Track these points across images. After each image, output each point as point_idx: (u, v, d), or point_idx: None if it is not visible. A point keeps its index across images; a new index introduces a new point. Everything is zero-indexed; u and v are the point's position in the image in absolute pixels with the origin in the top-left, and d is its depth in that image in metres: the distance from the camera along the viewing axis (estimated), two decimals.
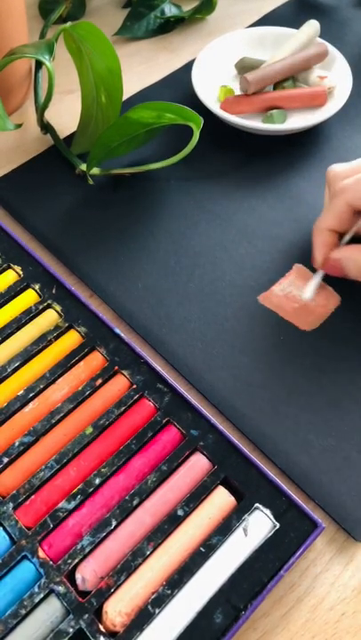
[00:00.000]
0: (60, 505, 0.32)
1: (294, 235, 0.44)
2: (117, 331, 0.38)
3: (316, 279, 0.40)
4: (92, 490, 0.32)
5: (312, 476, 0.34)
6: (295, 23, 0.55)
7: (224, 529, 0.31)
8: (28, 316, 0.39)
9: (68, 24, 0.43)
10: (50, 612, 0.29)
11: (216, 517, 0.31)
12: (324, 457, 0.35)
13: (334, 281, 0.41)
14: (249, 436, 0.35)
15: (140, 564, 0.30)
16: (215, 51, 0.53)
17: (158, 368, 0.36)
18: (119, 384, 0.36)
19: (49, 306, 0.39)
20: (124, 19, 0.59)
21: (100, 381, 0.36)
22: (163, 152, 0.49)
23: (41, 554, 0.30)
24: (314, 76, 0.51)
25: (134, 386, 0.36)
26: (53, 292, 0.40)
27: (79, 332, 0.38)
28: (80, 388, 0.36)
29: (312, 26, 0.53)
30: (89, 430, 0.34)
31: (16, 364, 0.37)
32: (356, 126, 0.50)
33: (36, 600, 0.29)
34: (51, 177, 0.48)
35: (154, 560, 0.30)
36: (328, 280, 0.41)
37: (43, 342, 0.37)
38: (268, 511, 0.32)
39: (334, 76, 0.51)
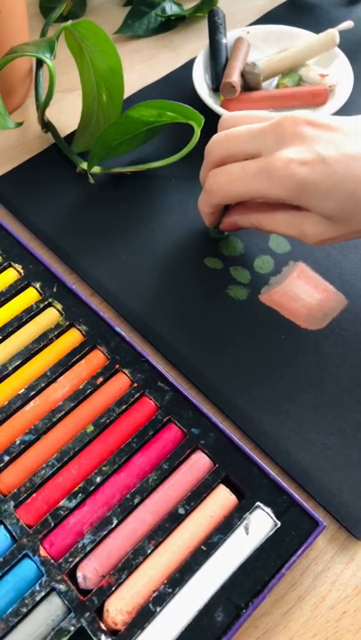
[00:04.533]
0: (61, 503, 0.32)
1: None
2: (118, 329, 0.38)
3: None
4: (93, 488, 0.32)
5: (313, 475, 0.34)
6: (296, 22, 0.55)
7: (225, 527, 0.31)
8: (29, 314, 0.38)
9: (69, 22, 0.43)
10: (51, 610, 0.29)
11: (217, 516, 0.31)
12: (326, 455, 0.35)
13: (338, 281, 0.41)
14: (250, 435, 0.35)
15: (142, 563, 0.30)
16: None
17: (159, 366, 0.36)
18: (120, 382, 0.36)
19: (50, 304, 0.39)
20: (125, 17, 0.59)
21: (100, 380, 0.36)
22: (164, 150, 0.49)
23: (42, 552, 0.30)
24: (315, 74, 0.51)
25: (135, 384, 0.36)
26: (54, 290, 0.40)
27: (80, 331, 0.38)
28: (81, 387, 0.36)
29: (329, 35, 0.51)
30: (90, 429, 0.34)
31: (17, 363, 0.36)
32: None
33: (38, 598, 0.29)
34: (51, 175, 0.48)
35: (155, 558, 0.30)
36: (332, 281, 0.41)
37: (43, 341, 0.37)
38: (269, 510, 0.32)
39: (335, 74, 0.51)
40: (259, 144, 0.36)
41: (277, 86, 0.52)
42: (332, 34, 0.51)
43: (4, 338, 0.38)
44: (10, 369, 0.36)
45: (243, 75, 0.50)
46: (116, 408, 0.35)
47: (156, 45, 0.59)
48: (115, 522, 0.31)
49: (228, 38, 0.53)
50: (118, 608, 0.29)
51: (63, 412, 0.35)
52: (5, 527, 0.31)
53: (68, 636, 0.28)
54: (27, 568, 0.30)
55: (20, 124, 0.44)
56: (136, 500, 0.32)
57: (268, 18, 0.60)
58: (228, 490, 0.32)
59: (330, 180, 0.33)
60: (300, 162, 0.34)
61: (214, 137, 0.38)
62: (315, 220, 0.35)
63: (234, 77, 0.49)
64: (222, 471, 0.33)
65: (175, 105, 0.42)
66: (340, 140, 0.34)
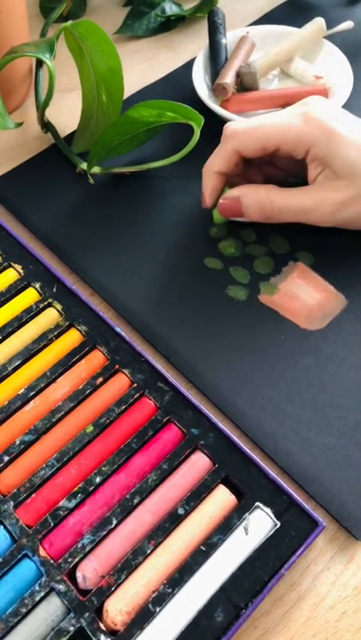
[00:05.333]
0: (60, 503, 0.32)
1: (296, 232, 0.43)
2: (118, 329, 0.38)
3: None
4: (92, 488, 0.32)
5: (313, 475, 0.34)
6: (296, 22, 0.55)
7: (225, 528, 0.31)
8: (29, 314, 0.38)
9: (69, 23, 0.43)
10: (51, 610, 0.29)
11: (217, 516, 0.31)
12: (325, 455, 0.35)
13: (338, 281, 0.41)
14: (250, 435, 0.35)
15: (141, 563, 0.30)
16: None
17: (159, 367, 0.36)
18: (120, 383, 0.36)
19: (49, 304, 0.39)
20: (125, 17, 0.59)
21: (100, 380, 0.36)
22: (163, 151, 0.49)
23: (42, 552, 0.30)
24: (311, 76, 0.51)
25: (135, 384, 0.36)
26: (54, 290, 0.40)
27: (80, 331, 0.38)
28: (81, 387, 0.36)
29: (316, 23, 0.53)
30: (90, 429, 0.34)
31: (17, 363, 0.36)
32: None
33: (37, 598, 0.29)
34: (51, 176, 0.48)
35: (155, 559, 0.30)
36: (332, 281, 0.41)
37: (43, 341, 0.37)
38: (268, 510, 0.31)
39: (335, 74, 0.51)
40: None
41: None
42: (319, 22, 0.53)
43: (4, 338, 0.38)
44: (10, 369, 0.36)
45: (239, 75, 0.50)
46: (115, 408, 0.35)
47: (156, 45, 0.59)
48: (114, 522, 0.31)
49: (227, 38, 0.53)
50: (118, 608, 0.29)
51: (63, 413, 0.35)
52: (5, 527, 0.31)
53: (67, 637, 0.28)
54: (26, 568, 0.30)
55: (19, 125, 0.44)
56: (136, 501, 0.32)
57: (268, 18, 0.60)
58: (227, 490, 0.32)
59: (354, 134, 0.37)
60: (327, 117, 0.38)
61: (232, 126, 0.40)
62: (330, 186, 0.37)
63: (226, 79, 0.49)
64: (222, 471, 0.33)
65: (175, 105, 0.42)
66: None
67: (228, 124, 0.41)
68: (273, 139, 0.38)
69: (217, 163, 0.40)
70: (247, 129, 0.39)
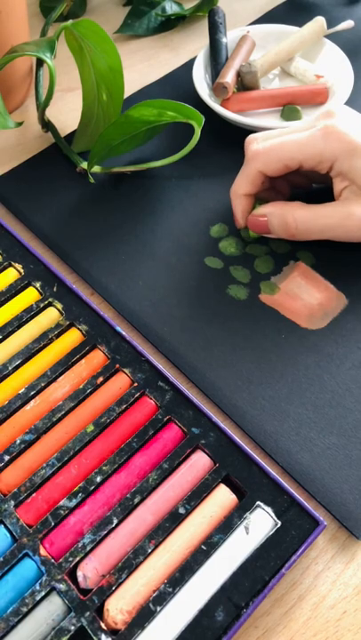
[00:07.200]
0: (61, 503, 0.32)
1: None
2: (118, 329, 0.38)
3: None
4: (93, 488, 0.32)
5: (314, 474, 0.34)
6: (296, 21, 0.55)
7: (225, 527, 0.31)
8: (29, 314, 0.38)
9: (70, 22, 0.43)
10: (51, 609, 0.29)
11: (217, 515, 0.31)
12: (326, 455, 0.35)
13: (339, 281, 0.41)
14: (250, 434, 0.35)
15: (142, 562, 0.30)
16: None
17: (159, 366, 0.36)
18: (120, 382, 0.36)
19: (50, 304, 0.39)
20: (125, 16, 0.59)
21: (101, 379, 0.36)
22: (164, 150, 0.49)
23: (42, 552, 0.30)
24: (311, 75, 0.51)
25: (135, 384, 0.36)
26: (54, 289, 0.40)
27: (80, 330, 0.38)
28: (81, 386, 0.36)
29: (317, 22, 0.52)
30: (90, 428, 0.34)
31: (17, 362, 0.37)
32: None
33: (38, 598, 0.29)
34: (52, 175, 0.48)
35: (155, 558, 0.30)
36: (332, 280, 0.41)
37: (44, 340, 0.37)
38: (269, 509, 0.31)
39: (335, 73, 0.51)
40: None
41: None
42: (320, 21, 0.52)
43: (4, 337, 0.38)
44: (10, 369, 0.36)
45: (240, 75, 0.50)
46: (116, 408, 0.35)
47: (157, 45, 0.59)
48: (115, 521, 0.31)
49: (228, 38, 0.53)
50: (118, 607, 0.29)
51: (63, 412, 0.35)
52: (5, 527, 0.31)
53: (68, 636, 0.28)
54: (27, 567, 0.30)
55: (20, 124, 0.44)
56: (136, 500, 0.32)
57: (269, 17, 0.60)
58: (228, 489, 0.32)
59: None
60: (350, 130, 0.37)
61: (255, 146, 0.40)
62: (355, 201, 0.37)
63: (226, 78, 0.48)
64: (223, 470, 0.33)
65: (175, 104, 0.42)
66: None
67: (248, 142, 0.41)
68: (295, 157, 0.38)
69: (243, 185, 0.40)
70: (269, 149, 0.39)
